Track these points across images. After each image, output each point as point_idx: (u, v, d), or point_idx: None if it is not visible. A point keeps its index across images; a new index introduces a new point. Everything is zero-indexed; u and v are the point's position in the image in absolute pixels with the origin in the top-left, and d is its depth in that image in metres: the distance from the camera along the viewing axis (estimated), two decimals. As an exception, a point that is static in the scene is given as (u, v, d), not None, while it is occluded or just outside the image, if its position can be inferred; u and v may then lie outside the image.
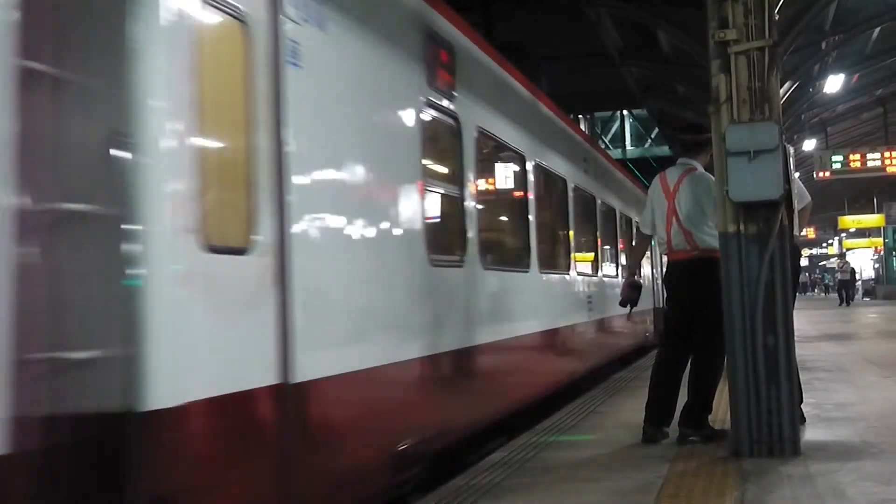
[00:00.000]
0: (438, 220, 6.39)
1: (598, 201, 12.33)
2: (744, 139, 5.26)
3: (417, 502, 5.14)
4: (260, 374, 3.75)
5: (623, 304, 6.58)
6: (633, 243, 7.85)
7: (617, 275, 13.41)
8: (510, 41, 13.82)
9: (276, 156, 3.96)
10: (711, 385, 6.01)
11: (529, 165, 8.51)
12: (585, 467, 5.43)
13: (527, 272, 8.33)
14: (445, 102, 6.21)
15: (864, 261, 54.56)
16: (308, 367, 4.06)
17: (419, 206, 5.58)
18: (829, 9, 14.63)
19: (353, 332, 4.66)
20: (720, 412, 6.48)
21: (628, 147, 35.46)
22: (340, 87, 4.70)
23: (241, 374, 3.62)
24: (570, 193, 10.44)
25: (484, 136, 7.10)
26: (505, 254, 8.50)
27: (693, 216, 6.08)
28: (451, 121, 6.40)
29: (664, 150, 29.32)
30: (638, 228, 15.87)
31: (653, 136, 33.63)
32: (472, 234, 6.58)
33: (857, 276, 44.08)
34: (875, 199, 40.81)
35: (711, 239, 5.91)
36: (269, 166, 3.90)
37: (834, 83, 19.02)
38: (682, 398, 6.04)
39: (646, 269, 15.95)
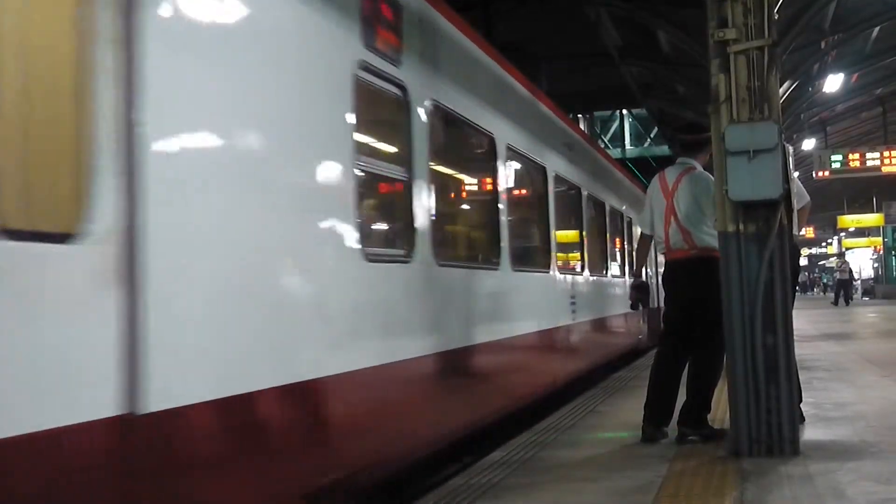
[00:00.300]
0: (378, 207, 5.62)
1: (585, 194, 11.37)
2: (743, 138, 5.25)
3: (416, 502, 5.13)
4: (91, 402, 2.85)
5: (633, 307, 6.70)
6: (636, 244, 7.11)
7: (606, 273, 12.76)
8: (510, 41, 13.84)
9: (125, 116, 3.06)
10: (711, 384, 6.01)
11: (500, 149, 7.47)
12: (585, 467, 5.43)
13: (496, 270, 7.36)
14: (388, 68, 5.24)
15: (863, 260, 54.61)
16: (171, 392, 3.19)
17: (350, 190, 4.63)
18: (828, 8, 14.63)
19: (244, 344, 3.69)
20: (719, 412, 6.47)
21: (628, 146, 35.50)
22: (232, 31, 3.76)
23: (57, 404, 2.72)
24: (551, 184, 9.39)
25: (440, 111, 6.11)
26: (467, 249, 7.61)
27: (691, 215, 6.09)
28: (396, 90, 5.43)
29: (664, 149, 29.38)
30: (638, 228, 15.72)
31: (652, 135, 33.68)
32: (423, 225, 5.62)
33: (857, 277, 44.08)
34: (874, 199, 40.82)
35: (710, 238, 5.91)
36: (112, 128, 3.01)
37: (833, 82, 19.02)
38: (682, 398, 6.04)
39: None
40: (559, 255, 9.69)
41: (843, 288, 35.16)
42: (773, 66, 5.38)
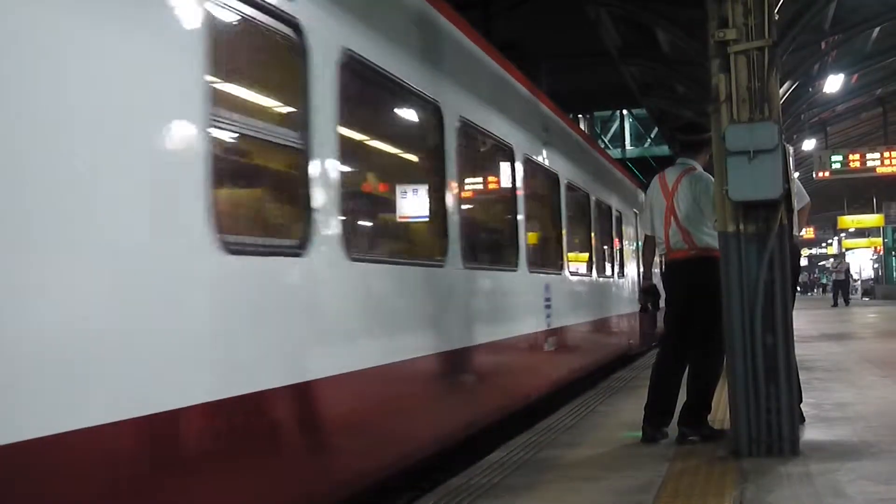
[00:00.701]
0: (254, 182, 4.49)
1: (564, 182, 10.08)
2: (743, 139, 5.25)
3: (415, 502, 5.13)
4: None
5: (644, 309, 6.81)
6: (642, 246, 6.39)
7: (591, 272, 11.71)
8: (509, 39, 13.84)
9: None
10: (711, 384, 6.02)
11: (449, 121, 6.29)
12: (585, 467, 5.43)
13: (440, 268, 6.09)
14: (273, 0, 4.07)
15: (863, 260, 54.64)
16: None
17: (197, 155, 3.46)
18: (828, 8, 14.62)
19: (11, 372, 2.62)
20: (719, 412, 6.48)
21: (628, 147, 35.53)
22: None
23: None
24: (521, 167, 8.17)
25: (359, 64, 4.93)
26: (399, 241, 6.40)
27: (691, 215, 6.09)
28: (287, 30, 4.23)
29: (664, 149, 29.39)
30: (628, 226, 15.65)
31: (652, 135, 33.69)
32: (328, 208, 4.45)
33: (856, 277, 44.02)
34: (874, 199, 40.85)
35: (710, 238, 5.92)
36: None
37: (833, 83, 19.02)
38: (682, 398, 6.04)
39: (632, 268, 15.29)
40: (532, 251, 8.54)
41: (839, 288, 35.14)
42: (773, 66, 5.38)
